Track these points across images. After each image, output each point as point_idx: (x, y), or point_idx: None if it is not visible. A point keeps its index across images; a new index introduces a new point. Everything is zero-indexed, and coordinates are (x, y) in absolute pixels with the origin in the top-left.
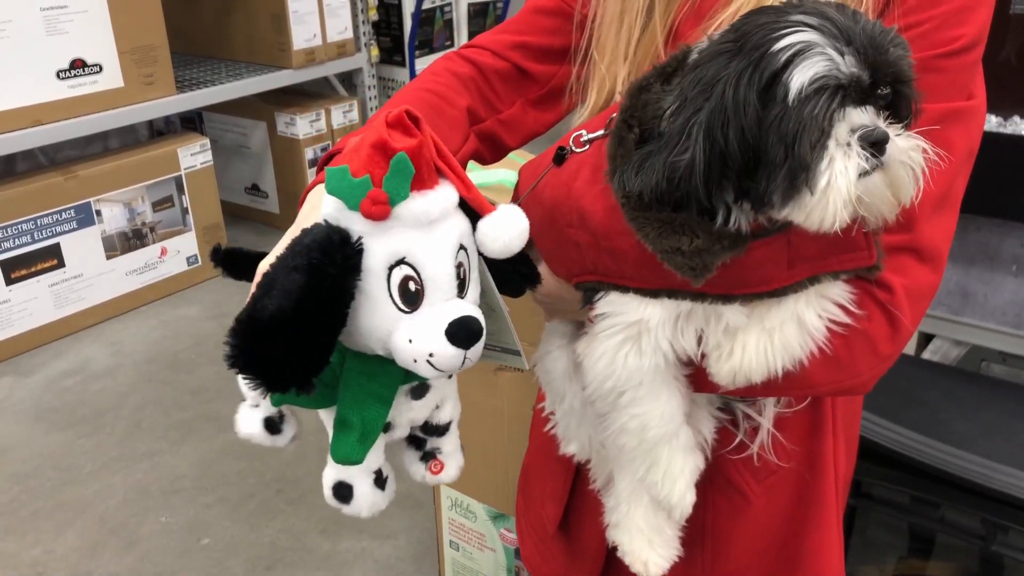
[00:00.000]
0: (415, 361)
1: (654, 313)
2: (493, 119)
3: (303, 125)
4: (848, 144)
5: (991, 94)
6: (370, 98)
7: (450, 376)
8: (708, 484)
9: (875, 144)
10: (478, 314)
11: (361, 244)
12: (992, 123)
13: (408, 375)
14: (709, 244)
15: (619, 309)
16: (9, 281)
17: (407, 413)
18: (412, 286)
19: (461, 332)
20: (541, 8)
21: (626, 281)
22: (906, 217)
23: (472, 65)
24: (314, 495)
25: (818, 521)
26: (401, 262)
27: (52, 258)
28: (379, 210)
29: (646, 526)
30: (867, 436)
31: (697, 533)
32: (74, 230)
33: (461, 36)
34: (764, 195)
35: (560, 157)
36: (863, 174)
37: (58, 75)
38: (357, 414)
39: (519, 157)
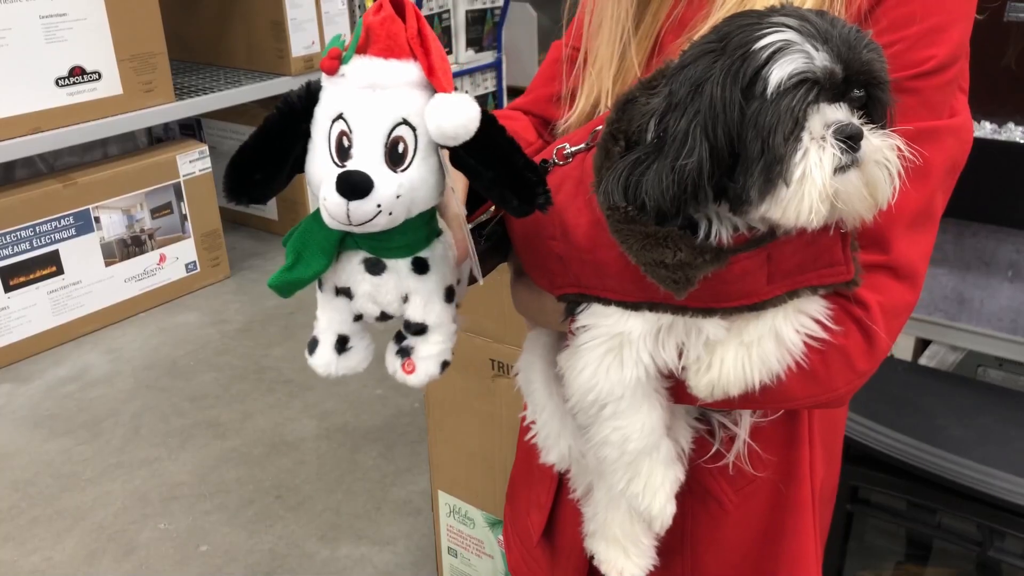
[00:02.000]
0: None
1: (635, 326)
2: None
3: None
4: (823, 138)
5: (986, 101)
6: None
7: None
8: (686, 493)
9: (849, 139)
10: (378, 176)
11: (319, 93)
12: (987, 130)
13: (350, 237)
14: (692, 258)
15: (601, 321)
16: (8, 288)
17: (362, 285)
18: (345, 142)
19: (346, 184)
20: (550, 62)
21: (608, 294)
22: (881, 235)
23: (518, 111)
24: (313, 502)
25: (795, 530)
26: (340, 117)
27: (51, 265)
28: (328, 64)
29: (622, 535)
30: (863, 442)
31: (676, 542)
32: (73, 237)
33: (459, 43)
34: (742, 192)
35: (543, 170)
36: (839, 169)
37: (57, 83)
38: (295, 250)
39: None
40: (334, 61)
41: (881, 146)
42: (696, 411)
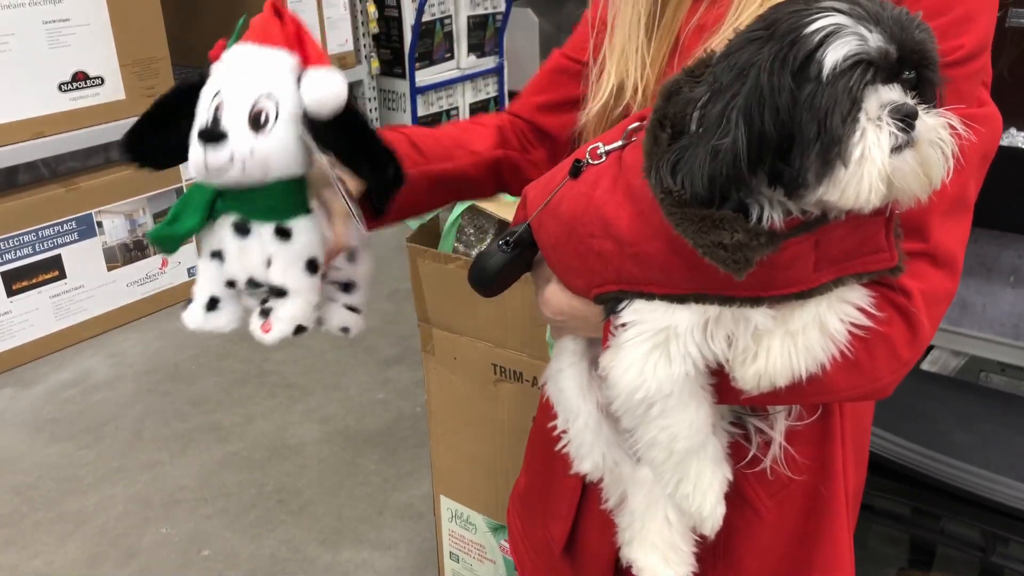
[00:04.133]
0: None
1: (682, 319)
2: (523, 154)
3: None
4: (879, 118)
5: None
6: (371, 110)
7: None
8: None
9: (905, 119)
10: (235, 133)
11: (207, 74)
12: None
13: (221, 200)
14: (749, 239)
15: (646, 317)
16: (10, 292)
17: (231, 246)
18: (219, 113)
19: (205, 134)
20: (549, 70)
21: (652, 287)
22: (920, 223)
23: (509, 117)
24: (315, 506)
25: (829, 532)
26: (218, 93)
27: (53, 269)
28: (214, 53)
29: (661, 542)
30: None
31: (708, 550)
32: (75, 241)
33: (461, 48)
34: (798, 175)
35: (576, 170)
36: (895, 149)
37: (60, 88)
38: (175, 210)
39: None
40: (216, 51)
41: (935, 125)
42: (731, 416)
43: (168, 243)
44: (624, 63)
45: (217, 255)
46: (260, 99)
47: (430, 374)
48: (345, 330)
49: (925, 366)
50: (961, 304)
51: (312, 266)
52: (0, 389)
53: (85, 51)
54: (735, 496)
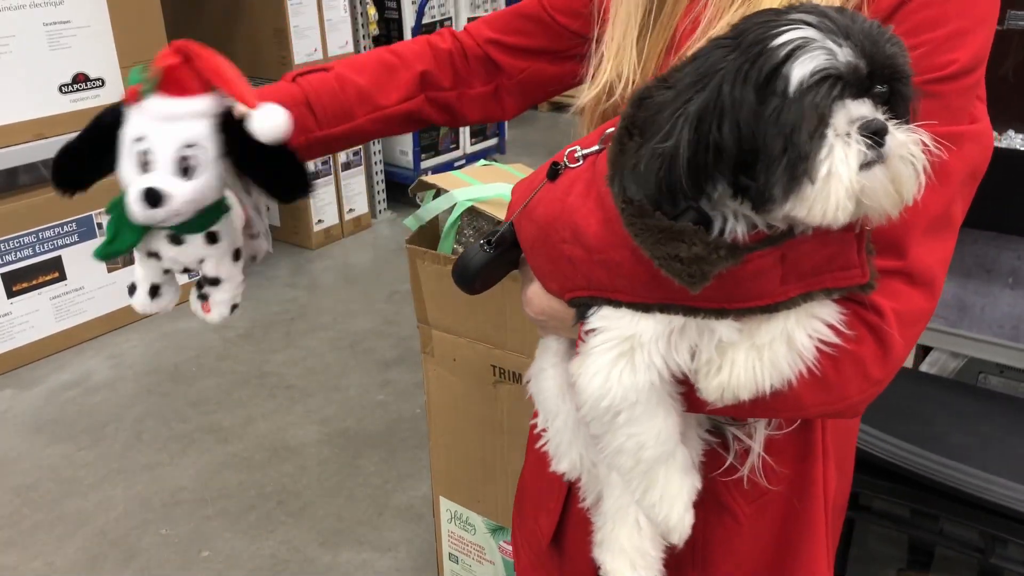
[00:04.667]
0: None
1: (647, 328)
2: (458, 91)
3: None
4: (848, 134)
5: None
6: None
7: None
8: (699, 506)
9: (875, 135)
10: (168, 188)
11: (123, 115)
12: None
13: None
14: (707, 252)
15: (612, 324)
16: (11, 294)
17: (168, 252)
18: (146, 159)
19: (146, 197)
20: (520, 12)
21: (619, 295)
22: (897, 240)
23: (457, 42)
24: (315, 507)
25: (807, 544)
26: (141, 139)
27: (54, 271)
28: (131, 96)
29: (630, 547)
30: (865, 448)
31: (687, 555)
32: (76, 243)
33: None
34: (764, 190)
35: (554, 173)
36: (864, 165)
37: (61, 89)
38: (113, 228)
39: (520, 172)
40: (132, 97)
41: (906, 141)
42: (708, 423)
43: (110, 257)
44: (619, 59)
45: (154, 255)
46: (184, 148)
47: (429, 375)
48: (253, 259)
49: (924, 368)
50: (960, 306)
51: (237, 254)
52: (0, 390)
53: (86, 53)
54: (713, 503)
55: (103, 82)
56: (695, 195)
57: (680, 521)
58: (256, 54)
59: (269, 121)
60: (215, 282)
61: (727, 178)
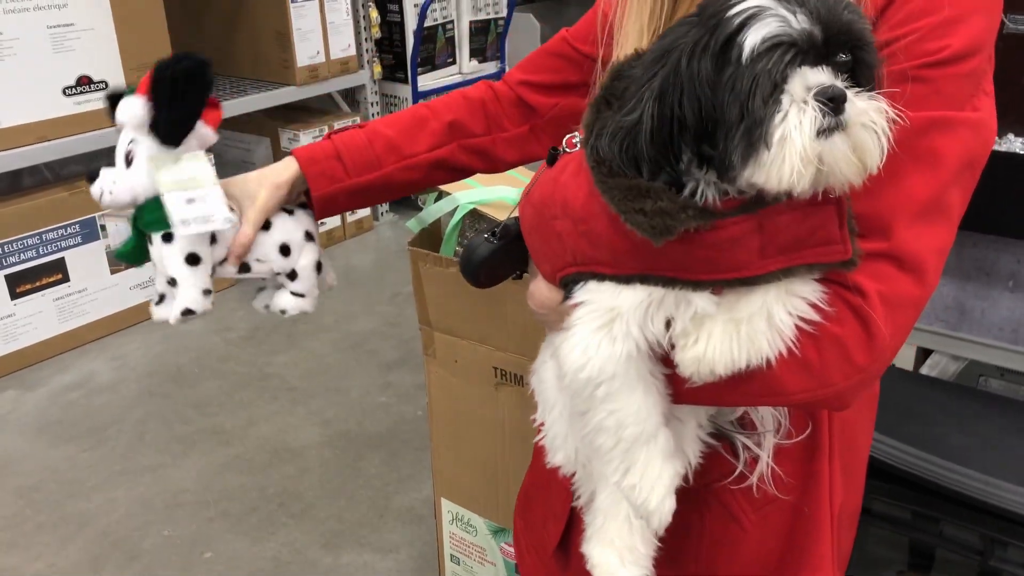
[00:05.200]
0: None
1: (627, 299)
2: (492, 136)
3: (306, 141)
4: (804, 101)
5: None
6: (373, 114)
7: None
8: (704, 511)
9: (832, 101)
10: (105, 171)
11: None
12: None
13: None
14: (674, 209)
15: (595, 297)
16: (14, 295)
17: (154, 253)
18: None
19: (88, 175)
20: (546, 50)
21: (602, 268)
22: (883, 223)
23: (491, 91)
24: (316, 509)
25: (814, 549)
26: (132, 140)
27: (57, 272)
28: (140, 87)
29: (620, 542)
30: None
31: (691, 561)
32: (79, 245)
33: (463, 53)
34: (724, 157)
35: (552, 158)
36: (822, 132)
37: (64, 92)
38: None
39: (521, 175)
40: (144, 85)
41: (867, 108)
42: (710, 426)
43: (126, 259)
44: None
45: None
46: (128, 144)
47: (431, 377)
48: (283, 311)
49: (924, 370)
50: (960, 309)
51: (192, 259)
52: (3, 391)
53: (89, 55)
54: (720, 509)
55: (106, 85)
56: (660, 166)
57: (660, 505)
58: (258, 57)
59: (127, 108)
60: (173, 282)
61: (691, 148)
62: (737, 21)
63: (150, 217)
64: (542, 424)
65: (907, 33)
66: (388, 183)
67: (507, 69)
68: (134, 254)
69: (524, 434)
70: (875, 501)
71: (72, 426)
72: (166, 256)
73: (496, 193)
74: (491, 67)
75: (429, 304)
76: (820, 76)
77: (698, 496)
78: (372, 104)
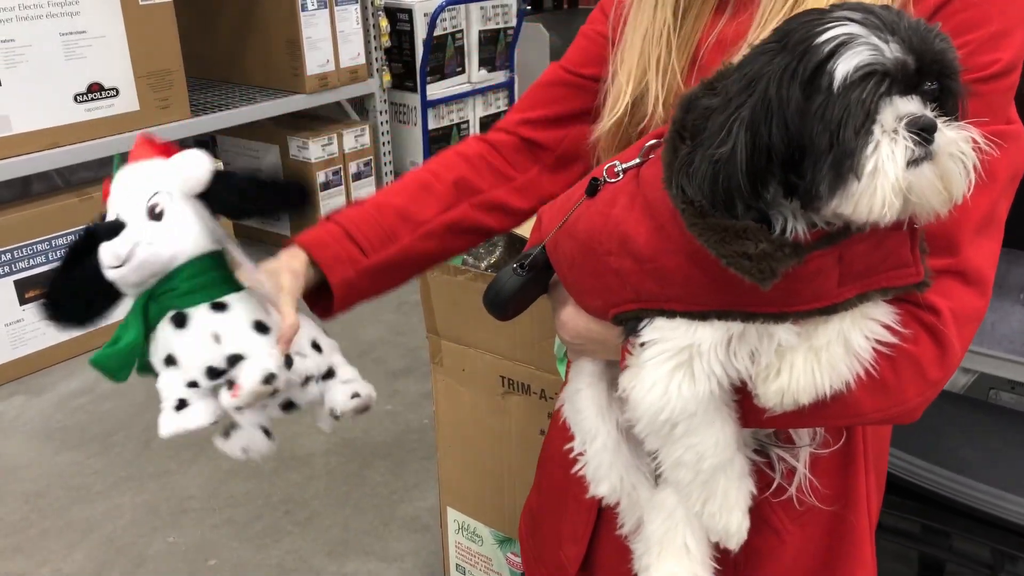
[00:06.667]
0: None
1: (705, 336)
2: (503, 188)
3: (315, 149)
4: (895, 131)
5: None
6: (381, 123)
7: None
8: None
9: (923, 132)
10: (132, 223)
11: (104, 214)
12: None
13: (153, 302)
14: (773, 250)
15: (667, 335)
16: (23, 301)
17: (176, 343)
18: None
19: (103, 230)
20: (542, 83)
21: (672, 304)
22: (950, 240)
23: (486, 144)
24: (321, 517)
25: (853, 557)
26: (117, 215)
27: None
28: (103, 194)
29: (681, 569)
30: None
31: (730, 573)
32: None
33: (472, 62)
34: (811, 187)
35: (593, 188)
36: (912, 162)
37: (75, 99)
38: (117, 332)
39: None
40: (107, 189)
41: (956, 138)
42: (754, 443)
43: (114, 364)
44: (642, 78)
45: (170, 361)
46: (152, 196)
47: (438, 386)
48: (344, 412)
49: None
50: None
51: (260, 327)
52: (11, 397)
53: (101, 63)
54: (757, 521)
55: (117, 92)
56: (753, 199)
57: (739, 528)
58: (269, 65)
59: (192, 161)
60: (238, 359)
61: (778, 177)
62: (827, 49)
63: (192, 282)
64: (580, 454)
65: (960, 46)
66: (407, 257)
67: (516, 78)
68: (129, 354)
69: (531, 444)
70: (885, 514)
71: (78, 432)
72: (224, 326)
73: None
74: (500, 76)
75: (436, 313)
76: (911, 106)
77: None
78: (381, 112)
